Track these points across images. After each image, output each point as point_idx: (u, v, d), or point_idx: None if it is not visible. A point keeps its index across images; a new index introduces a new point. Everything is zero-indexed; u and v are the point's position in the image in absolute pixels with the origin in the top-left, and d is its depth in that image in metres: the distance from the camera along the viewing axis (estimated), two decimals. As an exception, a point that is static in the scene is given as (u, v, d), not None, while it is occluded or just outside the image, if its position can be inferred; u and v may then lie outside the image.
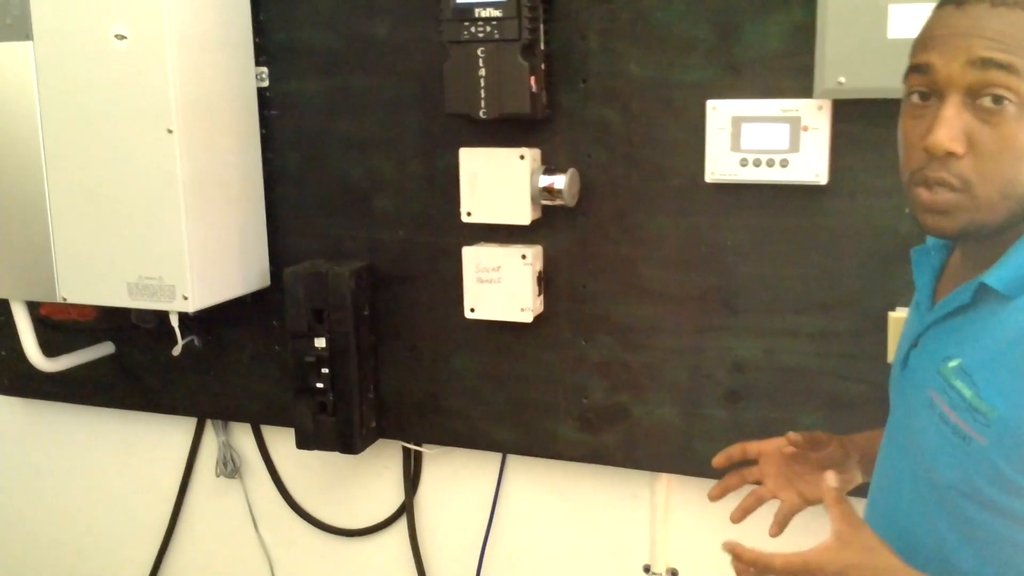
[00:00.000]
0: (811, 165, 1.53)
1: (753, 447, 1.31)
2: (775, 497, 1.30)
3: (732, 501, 1.31)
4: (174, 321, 1.77)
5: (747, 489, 1.31)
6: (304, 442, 1.87)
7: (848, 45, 1.43)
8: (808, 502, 1.28)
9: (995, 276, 0.94)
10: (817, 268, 1.59)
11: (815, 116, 1.51)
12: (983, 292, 0.96)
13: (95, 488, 2.30)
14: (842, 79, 1.43)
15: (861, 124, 1.51)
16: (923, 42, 0.95)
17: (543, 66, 1.65)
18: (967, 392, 0.93)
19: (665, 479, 1.78)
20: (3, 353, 2.17)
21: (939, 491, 0.98)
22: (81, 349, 2.04)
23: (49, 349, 1.99)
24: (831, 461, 1.26)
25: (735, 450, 1.32)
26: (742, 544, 0.98)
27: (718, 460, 1.32)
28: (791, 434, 1.26)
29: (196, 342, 2.01)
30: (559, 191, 1.66)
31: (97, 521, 2.32)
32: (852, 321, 1.58)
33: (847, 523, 0.96)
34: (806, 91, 1.51)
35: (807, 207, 1.57)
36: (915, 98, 0.95)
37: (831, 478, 1.04)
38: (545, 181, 1.67)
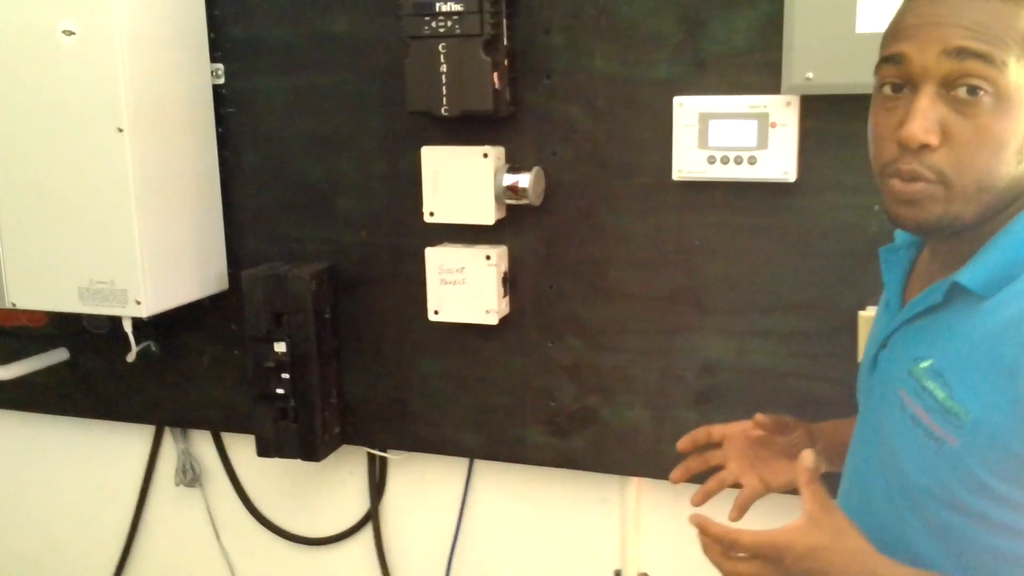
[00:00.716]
0: (779, 162, 1.50)
1: (717, 430, 1.31)
2: (737, 481, 1.29)
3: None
4: (127, 326, 1.71)
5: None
6: (265, 450, 1.82)
7: (816, 40, 1.40)
8: (770, 488, 1.28)
9: (969, 275, 0.91)
10: (786, 267, 1.56)
11: (783, 112, 1.48)
12: (955, 292, 0.93)
13: (52, 498, 2.24)
14: (810, 74, 1.41)
15: (830, 120, 1.48)
16: (896, 32, 0.92)
17: (506, 62, 1.60)
18: (940, 393, 0.91)
19: (635, 482, 1.75)
20: (-47, 361, 2.10)
21: (910, 493, 0.95)
22: (34, 356, 1.97)
23: (1, 356, 1.93)
24: (797, 447, 1.23)
25: (699, 433, 1.31)
26: (709, 519, 0.96)
27: (682, 443, 1.31)
28: (759, 416, 1.24)
29: (153, 347, 1.95)
30: (524, 190, 1.62)
31: (55, 532, 2.25)
32: (822, 321, 1.56)
33: (819, 504, 0.93)
34: (774, 87, 1.47)
35: (776, 205, 1.54)
36: (887, 90, 0.92)
37: (808, 457, 0.98)
38: (509, 180, 1.63)
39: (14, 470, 2.26)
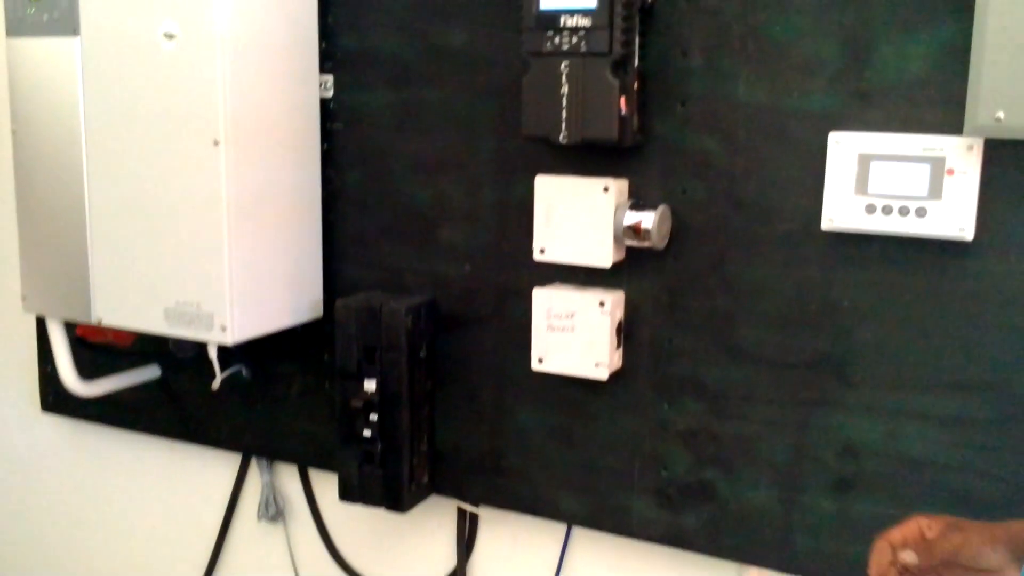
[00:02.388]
0: (955, 216, 1.26)
1: None
2: None
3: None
4: (212, 353, 1.60)
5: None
6: (348, 494, 1.68)
7: (1010, 73, 1.16)
8: None
9: None
10: (955, 339, 1.31)
11: (963, 158, 1.24)
12: None
13: (135, 517, 2.17)
14: (1001, 114, 1.17)
15: (1021, 170, 1.24)
16: None
17: (636, 85, 1.42)
18: None
19: (756, 573, 1.53)
20: (49, 368, 2.05)
21: None
22: (123, 372, 1.89)
23: (94, 369, 1.86)
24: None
25: None
26: None
27: None
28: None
29: (244, 372, 1.84)
30: (647, 231, 1.43)
31: (135, 552, 2.18)
32: (995, 406, 1.31)
33: None
34: (954, 127, 1.24)
35: (947, 266, 1.30)
36: None
37: None
38: (631, 218, 1.44)
39: (100, 487, 2.20)
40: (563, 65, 1.39)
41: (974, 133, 1.21)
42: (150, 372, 1.94)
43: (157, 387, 1.96)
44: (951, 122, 1.25)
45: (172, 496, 2.10)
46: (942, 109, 1.27)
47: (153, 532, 2.14)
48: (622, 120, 1.39)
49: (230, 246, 1.53)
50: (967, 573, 1.00)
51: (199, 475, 2.05)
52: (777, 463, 1.45)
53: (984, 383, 1.31)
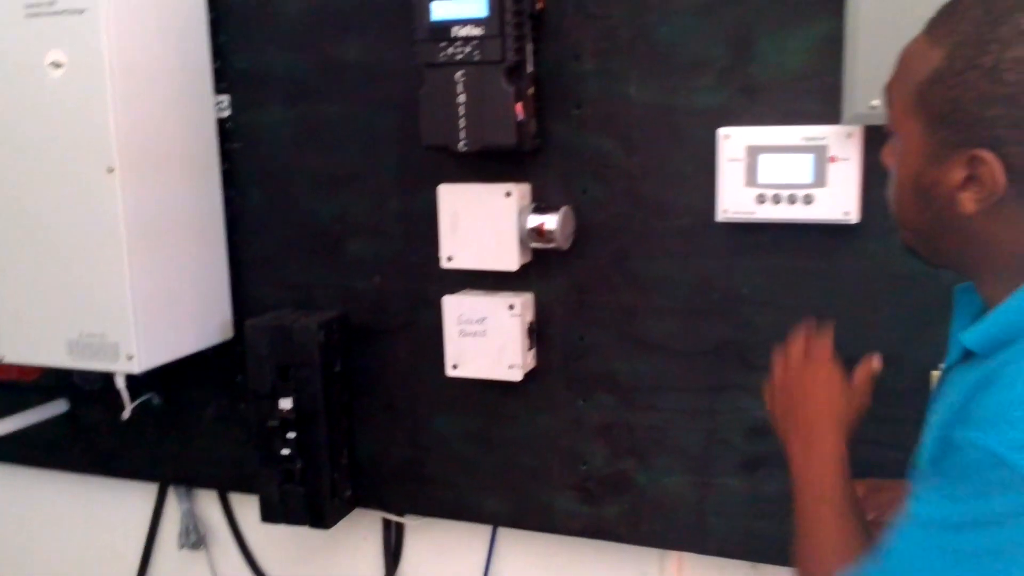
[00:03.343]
0: (839, 201, 1.32)
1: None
2: None
3: None
4: (120, 383, 1.57)
5: None
6: (270, 515, 1.67)
7: (883, 62, 1.22)
8: None
9: (969, 334, 0.90)
10: (847, 319, 1.37)
11: (844, 145, 1.31)
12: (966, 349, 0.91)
13: (51, 557, 2.11)
14: (875, 102, 1.23)
15: (897, 153, 1.31)
16: None
17: (531, 91, 1.45)
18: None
19: (676, 557, 1.57)
20: (-52, 411, 1.98)
21: None
22: (29, 409, 1.84)
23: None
24: None
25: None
26: None
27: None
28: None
29: (155, 400, 1.82)
30: (551, 232, 1.46)
31: (54, 593, 2.12)
32: (888, 380, 1.37)
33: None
34: (833, 117, 1.31)
35: (835, 249, 1.37)
36: None
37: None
38: (535, 221, 1.47)
39: (12, 527, 2.13)
40: (458, 74, 1.41)
41: (852, 121, 1.28)
42: (57, 407, 1.89)
43: (65, 422, 1.91)
44: (830, 112, 1.31)
45: (88, 532, 2.05)
46: (821, 100, 1.33)
47: (71, 570, 2.08)
48: (520, 125, 1.42)
49: (131, 273, 1.51)
50: None
51: (115, 509, 2.01)
52: (689, 449, 1.49)
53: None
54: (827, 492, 1.02)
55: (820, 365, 1.13)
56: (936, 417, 0.93)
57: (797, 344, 1.16)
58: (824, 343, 1.15)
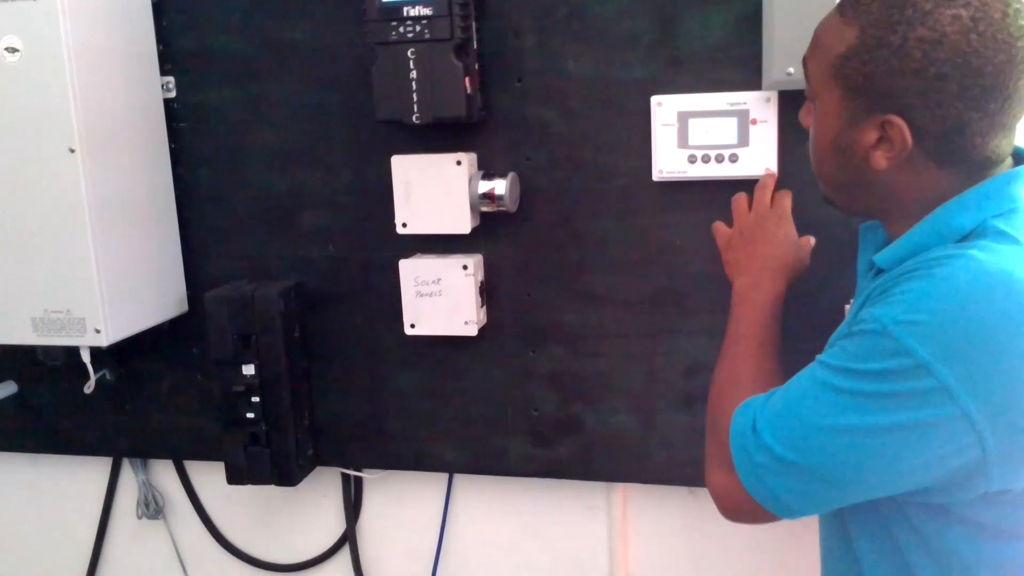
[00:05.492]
0: (761, 159, 1.49)
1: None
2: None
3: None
4: (85, 357, 1.62)
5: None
6: (236, 477, 1.74)
7: (796, 35, 1.38)
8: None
9: (881, 255, 1.08)
10: (770, 264, 1.54)
11: (763, 109, 1.47)
12: (877, 271, 1.10)
13: (5, 539, 2.12)
14: (791, 70, 1.39)
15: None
16: None
17: (477, 66, 1.56)
18: None
19: (622, 488, 1.72)
20: None
21: None
22: (-22, 393, 1.86)
23: (-57, 393, 1.82)
24: None
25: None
26: None
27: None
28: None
29: (108, 376, 1.86)
30: (499, 196, 1.58)
31: (9, 574, 2.13)
32: (807, 316, 1.54)
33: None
34: (754, 83, 1.47)
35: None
36: None
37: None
38: (484, 187, 1.59)
39: (-40, 513, 2.13)
40: (410, 52, 1.51)
41: (770, 87, 1.44)
42: (6, 389, 1.91)
43: (15, 403, 1.93)
44: (751, 79, 1.47)
45: (42, 512, 2.07)
46: (743, 68, 1.48)
47: (25, 552, 2.10)
48: (468, 98, 1.53)
49: (96, 249, 1.56)
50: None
51: (69, 486, 2.03)
52: (633, 390, 1.64)
53: (797, 297, 1.52)
54: (757, 328, 1.27)
55: (781, 217, 1.36)
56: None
57: (763, 194, 1.38)
58: (786, 199, 1.37)
